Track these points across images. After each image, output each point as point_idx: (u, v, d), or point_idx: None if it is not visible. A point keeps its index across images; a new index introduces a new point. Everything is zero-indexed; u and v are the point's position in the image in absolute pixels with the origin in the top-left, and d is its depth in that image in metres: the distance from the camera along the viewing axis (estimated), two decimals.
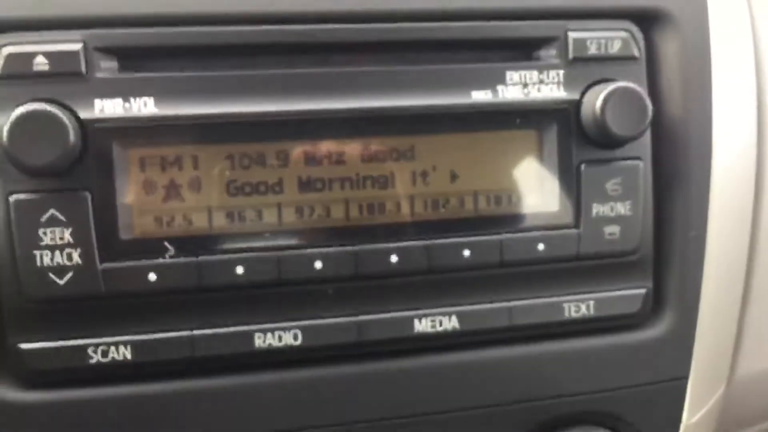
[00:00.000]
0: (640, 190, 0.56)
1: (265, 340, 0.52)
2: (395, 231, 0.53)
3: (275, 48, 0.51)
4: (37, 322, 0.50)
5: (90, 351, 0.50)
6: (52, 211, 0.48)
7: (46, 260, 0.48)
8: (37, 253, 0.48)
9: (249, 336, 0.52)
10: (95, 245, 0.49)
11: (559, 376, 0.56)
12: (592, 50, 0.55)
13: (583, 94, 0.55)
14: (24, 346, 0.49)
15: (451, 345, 0.55)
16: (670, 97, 0.58)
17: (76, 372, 0.50)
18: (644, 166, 0.56)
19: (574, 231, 0.55)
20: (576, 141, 0.55)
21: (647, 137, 0.57)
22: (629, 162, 0.56)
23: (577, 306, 0.56)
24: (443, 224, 0.54)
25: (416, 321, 0.54)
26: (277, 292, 0.52)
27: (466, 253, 0.53)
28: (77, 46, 0.49)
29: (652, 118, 0.54)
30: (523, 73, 0.54)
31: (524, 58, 0.55)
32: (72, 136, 0.47)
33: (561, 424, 0.57)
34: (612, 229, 0.56)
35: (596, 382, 0.57)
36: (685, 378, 0.59)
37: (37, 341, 0.50)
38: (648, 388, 0.58)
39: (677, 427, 0.60)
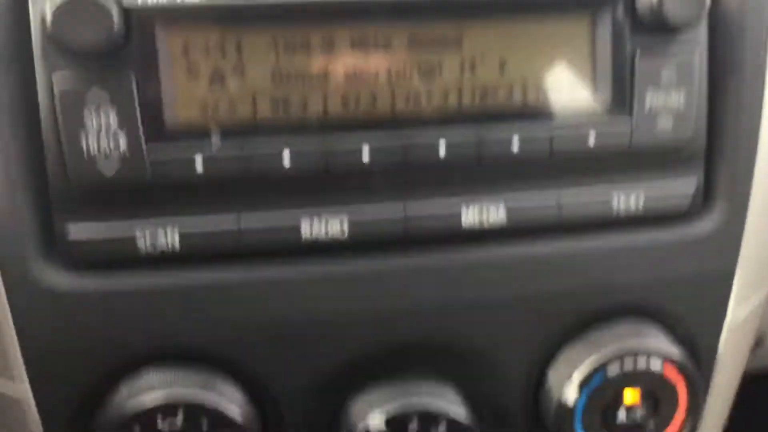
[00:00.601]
0: (695, 80, 0.54)
1: (311, 230, 0.51)
2: (443, 121, 0.52)
3: None
4: (84, 208, 0.49)
5: (137, 238, 0.50)
6: (97, 95, 0.47)
7: (92, 145, 0.48)
8: (82, 137, 0.47)
9: (296, 226, 0.51)
10: (141, 131, 0.48)
11: (607, 269, 0.56)
12: None
13: None
14: (72, 232, 0.49)
15: (499, 237, 0.54)
16: None
17: (124, 259, 0.50)
18: (700, 55, 0.54)
19: (626, 121, 0.53)
20: (630, 27, 0.52)
21: (703, 25, 0.54)
22: (685, 50, 0.53)
23: (627, 199, 0.55)
24: (492, 114, 0.52)
25: (463, 213, 0.53)
26: (323, 182, 0.51)
27: (516, 143, 0.52)
28: None
29: (709, 5, 0.52)
30: None
31: None
32: (116, 21, 0.46)
33: (607, 315, 0.57)
34: (665, 120, 0.54)
35: (644, 275, 0.56)
36: (732, 273, 0.58)
37: (85, 228, 0.49)
38: (695, 282, 0.58)
39: (722, 322, 0.59)
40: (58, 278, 0.50)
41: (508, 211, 0.53)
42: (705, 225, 0.57)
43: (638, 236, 0.56)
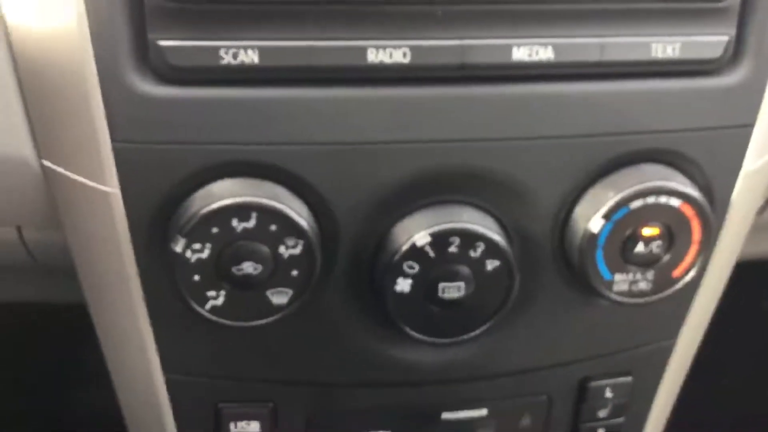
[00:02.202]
0: None
1: (377, 55, 0.56)
2: None
3: None
4: (175, 21, 0.54)
5: (222, 52, 0.55)
6: None
7: None
8: None
9: (363, 50, 0.56)
10: None
11: (640, 112, 0.61)
12: None
13: None
14: (163, 43, 0.54)
15: (545, 76, 0.59)
16: None
17: (209, 71, 0.55)
18: None
19: None
20: None
21: None
22: None
23: (664, 47, 0.59)
24: None
25: (515, 49, 0.58)
26: (389, 12, 0.56)
27: None
28: None
29: None
30: None
31: None
32: None
33: (633, 160, 0.63)
34: None
35: (672, 122, 0.62)
36: (752, 125, 0.64)
37: (175, 40, 0.54)
38: (718, 132, 0.63)
39: (738, 172, 0.65)
40: (149, 87, 0.55)
41: (555, 51, 0.58)
42: (731, 78, 0.62)
43: (670, 84, 0.61)
